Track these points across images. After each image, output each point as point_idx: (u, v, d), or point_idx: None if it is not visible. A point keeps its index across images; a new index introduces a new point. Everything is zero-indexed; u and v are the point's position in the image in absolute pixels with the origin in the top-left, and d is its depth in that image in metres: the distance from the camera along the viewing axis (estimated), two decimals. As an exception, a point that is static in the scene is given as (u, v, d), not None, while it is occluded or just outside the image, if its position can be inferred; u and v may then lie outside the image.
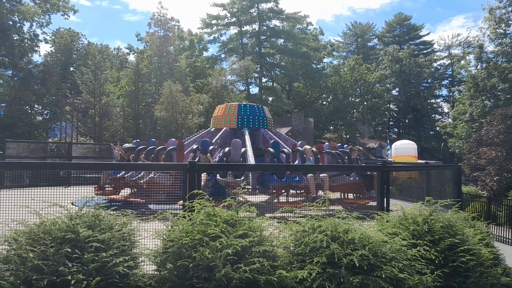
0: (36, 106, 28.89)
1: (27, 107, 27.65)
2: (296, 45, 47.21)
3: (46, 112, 29.93)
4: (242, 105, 14.63)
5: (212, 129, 14.79)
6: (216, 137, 13.39)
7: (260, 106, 15.02)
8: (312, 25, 53.60)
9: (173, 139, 11.26)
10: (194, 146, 10.60)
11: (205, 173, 7.38)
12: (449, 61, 55.62)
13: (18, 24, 28.54)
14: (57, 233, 3.02)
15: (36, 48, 30.68)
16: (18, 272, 2.81)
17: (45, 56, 36.74)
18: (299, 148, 10.12)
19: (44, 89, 27.07)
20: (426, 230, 4.11)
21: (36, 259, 2.81)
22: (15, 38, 28.40)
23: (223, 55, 49.92)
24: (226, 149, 10.41)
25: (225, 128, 14.02)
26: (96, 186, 9.66)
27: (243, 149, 10.81)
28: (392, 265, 3.36)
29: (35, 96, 26.74)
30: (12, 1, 27.30)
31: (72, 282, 2.71)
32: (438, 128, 42.70)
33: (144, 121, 31.94)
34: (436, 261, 3.78)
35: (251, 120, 14.13)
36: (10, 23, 27.36)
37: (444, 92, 57.18)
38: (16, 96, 25.67)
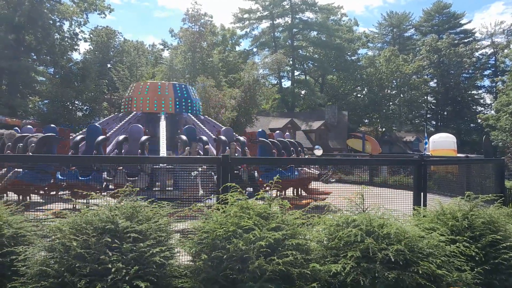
0: (76, 102, 30.08)
1: (68, 103, 28.82)
2: (329, 37, 46.50)
3: (85, 108, 31.11)
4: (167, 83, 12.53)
5: (120, 114, 12.53)
6: (122, 123, 11.23)
7: (183, 85, 12.89)
8: (347, 16, 52.33)
9: (52, 125, 9.13)
10: (121, 137, 8.90)
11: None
12: (492, 50, 52.94)
13: (58, 23, 29.70)
14: (97, 224, 3.15)
15: (75, 47, 31.86)
16: (62, 260, 2.96)
17: (84, 54, 38.07)
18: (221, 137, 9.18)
19: (83, 86, 28.12)
20: (466, 226, 3.98)
21: (79, 247, 2.94)
22: (55, 37, 29.59)
23: (255, 49, 49.97)
24: (121, 137, 8.82)
25: (135, 112, 11.90)
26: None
27: (143, 138, 8.93)
28: (430, 261, 3.27)
29: (75, 92, 27.84)
30: (51, 0, 28.41)
31: (113, 270, 2.83)
32: (479, 121, 40.77)
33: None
34: (477, 258, 3.65)
35: (170, 102, 12.11)
36: (51, 22, 28.51)
37: (487, 82, 54.56)
38: (57, 93, 26.79)
